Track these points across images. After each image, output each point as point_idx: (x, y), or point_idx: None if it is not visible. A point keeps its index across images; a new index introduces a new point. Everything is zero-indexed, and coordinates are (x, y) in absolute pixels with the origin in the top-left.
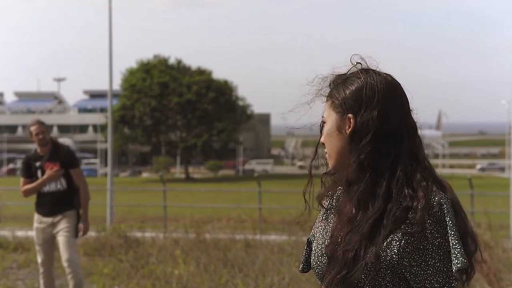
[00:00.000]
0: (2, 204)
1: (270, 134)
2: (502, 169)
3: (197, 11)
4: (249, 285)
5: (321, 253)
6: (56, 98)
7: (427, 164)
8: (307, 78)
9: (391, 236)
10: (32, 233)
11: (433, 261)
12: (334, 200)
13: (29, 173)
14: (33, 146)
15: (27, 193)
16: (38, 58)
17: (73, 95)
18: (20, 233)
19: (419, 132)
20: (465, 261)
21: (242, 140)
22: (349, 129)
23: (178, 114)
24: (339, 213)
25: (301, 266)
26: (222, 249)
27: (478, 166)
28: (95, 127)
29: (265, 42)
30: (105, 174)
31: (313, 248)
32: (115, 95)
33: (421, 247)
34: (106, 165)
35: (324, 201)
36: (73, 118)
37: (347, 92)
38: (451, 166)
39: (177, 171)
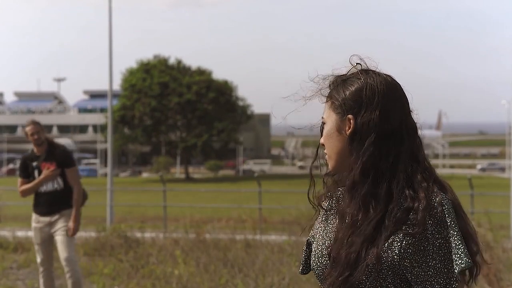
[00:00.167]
0: (2, 204)
1: (270, 134)
2: (502, 169)
3: (197, 11)
4: (249, 285)
5: (321, 254)
6: (56, 98)
7: (428, 165)
8: (308, 75)
9: (392, 237)
10: (32, 233)
11: (434, 262)
12: (333, 201)
13: (26, 173)
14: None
15: (24, 193)
16: (38, 58)
17: (73, 95)
18: (20, 233)
19: (419, 132)
20: (469, 261)
21: (242, 140)
22: (349, 130)
23: (178, 114)
24: (341, 215)
25: (300, 267)
26: (222, 249)
27: (479, 166)
28: (95, 127)
29: (265, 42)
30: (105, 174)
31: (313, 249)
32: (115, 95)
33: (422, 248)
34: (106, 165)
35: (323, 202)
36: (73, 118)
37: (347, 93)
38: (451, 166)
39: (177, 171)
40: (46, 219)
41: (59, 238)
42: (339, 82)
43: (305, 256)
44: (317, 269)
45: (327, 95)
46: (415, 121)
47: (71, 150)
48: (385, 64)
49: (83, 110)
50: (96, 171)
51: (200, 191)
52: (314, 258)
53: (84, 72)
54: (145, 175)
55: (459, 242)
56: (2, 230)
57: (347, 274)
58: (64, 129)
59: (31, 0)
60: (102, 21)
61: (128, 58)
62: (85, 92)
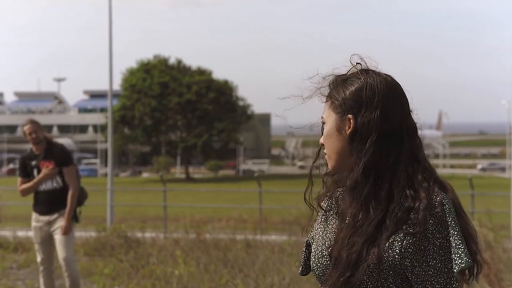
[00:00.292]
0: (2, 204)
1: (270, 134)
2: (502, 169)
3: (197, 11)
4: (249, 285)
5: (321, 255)
6: (56, 98)
7: (428, 165)
8: (308, 75)
9: (393, 236)
10: (32, 233)
11: (434, 261)
12: (333, 202)
13: (26, 172)
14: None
15: (24, 193)
16: (38, 58)
17: (73, 95)
18: (20, 233)
19: (419, 133)
20: (469, 260)
21: (242, 140)
22: (349, 130)
23: (178, 114)
24: (342, 215)
25: (300, 269)
26: (223, 249)
27: (479, 166)
28: (95, 127)
29: (265, 42)
30: (105, 174)
31: (313, 250)
32: (115, 95)
33: (422, 247)
34: (106, 165)
35: (323, 203)
36: (73, 118)
37: (347, 92)
38: (452, 166)
39: (177, 171)
40: (46, 218)
41: (58, 238)
42: (339, 81)
43: (304, 257)
44: (317, 269)
45: (326, 94)
46: (415, 121)
47: (71, 149)
48: (385, 64)
49: (83, 110)
50: (96, 171)
51: (200, 191)
52: (314, 259)
53: (84, 72)
54: (145, 175)
55: (460, 241)
56: (2, 230)
57: (348, 275)
58: (64, 129)
59: (31, 0)
60: (102, 21)
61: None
62: (85, 92)
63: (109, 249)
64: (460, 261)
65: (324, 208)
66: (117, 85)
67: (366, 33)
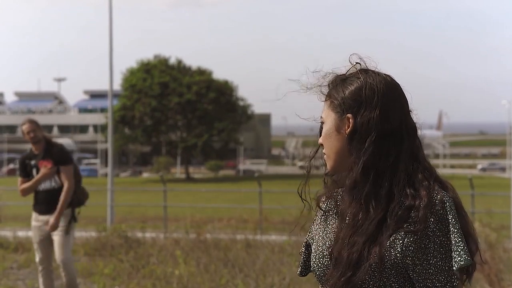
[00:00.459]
0: (2, 204)
1: (270, 134)
2: (503, 169)
3: (197, 11)
4: (249, 285)
5: (322, 255)
6: (56, 98)
7: (428, 165)
8: (308, 74)
9: (394, 235)
10: (31, 233)
11: (435, 259)
12: (332, 202)
13: (25, 172)
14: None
15: (24, 192)
16: (38, 58)
17: (73, 95)
18: (20, 233)
19: (419, 133)
20: (469, 258)
21: (243, 140)
22: (348, 129)
23: (179, 114)
24: (342, 215)
25: (299, 269)
26: (223, 249)
27: (479, 166)
28: (95, 127)
29: (265, 42)
30: (106, 174)
31: (313, 250)
32: (115, 95)
33: (423, 245)
34: (106, 165)
35: (322, 203)
36: (73, 118)
37: (347, 92)
38: (452, 166)
39: (178, 171)
40: (45, 217)
41: (56, 239)
42: (338, 81)
43: (304, 258)
44: (317, 270)
45: (326, 94)
46: (415, 122)
47: (71, 150)
48: (385, 64)
49: (83, 110)
50: (96, 171)
51: (200, 191)
52: (314, 259)
53: (84, 72)
54: (145, 175)
55: (460, 239)
56: (2, 230)
57: (350, 274)
58: (65, 129)
59: (31, 0)
60: (102, 21)
61: (128, 58)
62: (86, 92)
63: (109, 249)
64: (459, 259)
65: (323, 209)
66: (117, 85)
67: (366, 33)
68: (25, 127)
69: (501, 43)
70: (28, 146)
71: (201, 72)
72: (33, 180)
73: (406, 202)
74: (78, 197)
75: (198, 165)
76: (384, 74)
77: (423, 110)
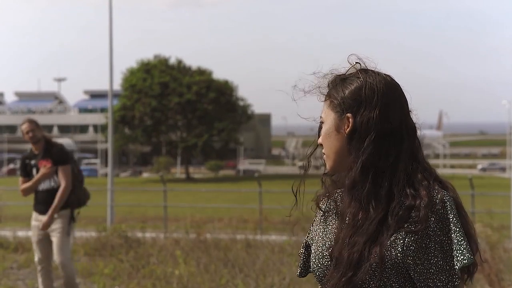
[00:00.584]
0: (2, 204)
1: (270, 134)
2: (503, 169)
3: (197, 11)
4: (249, 285)
5: (322, 255)
6: (56, 98)
7: (427, 165)
8: (307, 74)
9: (395, 235)
10: (31, 233)
11: (436, 259)
12: (332, 203)
13: (26, 172)
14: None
15: (25, 192)
16: (38, 58)
17: (73, 95)
18: (20, 233)
19: (418, 133)
20: (471, 257)
21: (243, 140)
22: (348, 129)
23: (179, 114)
24: (342, 215)
25: (299, 270)
26: (223, 249)
27: (479, 166)
28: (95, 127)
29: (265, 42)
30: (106, 174)
31: (313, 251)
32: (115, 95)
33: (424, 245)
34: (106, 165)
35: (321, 204)
36: (73, 118)
37: (346, 91)
38: (452, 166)
39: (178, 171)
40: (44, 217)
41: (55, 240)
42: (338, 81)
43: (303, 258)
44: (318, 270)
45: (325, 94)
46: (414, 122)
47: (71, 150)
48: (385, 64)
49: (83, 110)
50: (96, 171)
51: (200, 191)
52: (314, 260)
53: (84, 72)
54: (145, 175)
55: (461, 238)
56: (2, 230)
57: (350, 275)
58: (65, 129)
59: (31, 0)
60: (102, 21)
61: (128, 58)
62: (86, 92)
63: (109, 249)
64: (462, 257)
65: (323, 209)
66: (117, 85)
67: (366, 33)
68: (24, 127)
69: (501, 43)
70: (29, 146)
71: (201, 72)
72: (33, 180)
73: (406, 202)
74: (78, 198)
75: (198, 165)
76: (384, 74)
77: (423, 110)
